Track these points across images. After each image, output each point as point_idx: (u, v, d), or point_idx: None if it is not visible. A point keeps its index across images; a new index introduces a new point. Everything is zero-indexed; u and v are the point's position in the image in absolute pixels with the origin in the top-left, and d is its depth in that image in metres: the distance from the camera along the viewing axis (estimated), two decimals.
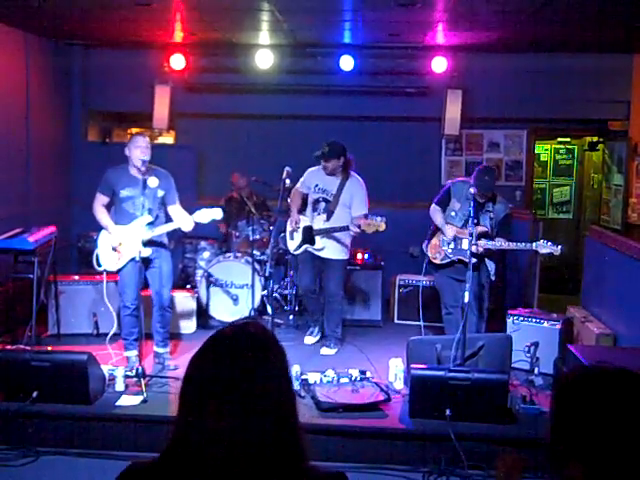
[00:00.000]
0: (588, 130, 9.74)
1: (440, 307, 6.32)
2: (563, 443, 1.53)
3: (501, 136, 9.05)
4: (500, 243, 5.72)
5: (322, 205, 6.42)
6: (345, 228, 6.24)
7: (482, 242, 5.69)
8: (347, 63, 8.21)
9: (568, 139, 10.89)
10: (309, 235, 6.43)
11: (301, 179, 6.60)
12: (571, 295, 8.67)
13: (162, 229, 5.70)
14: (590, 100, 8.51)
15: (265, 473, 1.45)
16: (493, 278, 6.05)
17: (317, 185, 6.44)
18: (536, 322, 6.22)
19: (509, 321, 6.33)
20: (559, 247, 5.55)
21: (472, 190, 5.69)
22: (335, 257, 6.44)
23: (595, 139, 9.82)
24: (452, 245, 6.02)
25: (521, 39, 7.69)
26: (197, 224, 6.92)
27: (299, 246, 6.52)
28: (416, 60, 8.38)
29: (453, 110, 8.33)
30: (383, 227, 5.96)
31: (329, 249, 6.42)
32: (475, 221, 5.53)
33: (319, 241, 6.40)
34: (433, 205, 6.17)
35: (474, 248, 5.50)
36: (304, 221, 6.51)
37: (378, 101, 8.68)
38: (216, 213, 5.69)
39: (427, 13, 6.58)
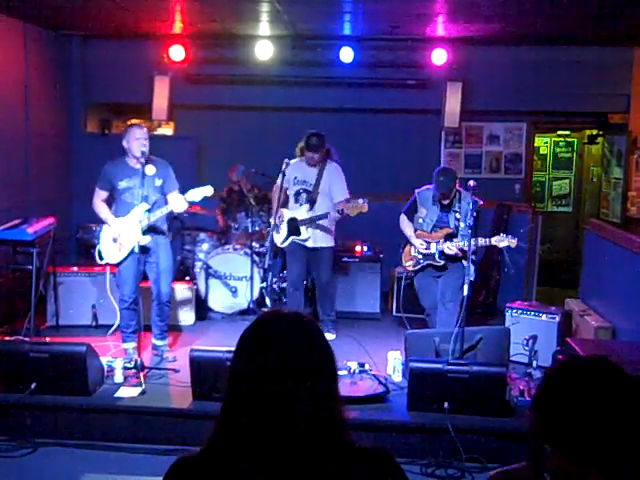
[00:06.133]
0: (588, 123, 9.74)
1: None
2: (540, 429, 1.56)
3: (501, 129, 9.03)
4: (462, 243, 5.65)
5: (304, 196, 6.50)
6: (326, 215, 6.30)
7: (447, 244, 5.74)
8: (347, 55, 8.18)
9: (568, 132, 10.89)
10: (294, 226, 6.48)
11: (280, 174, 6.61)
12: (570, 288, 8.67)
13: (158, 213, 5.69)
14: (590, 93, 8.49)
15: (314, 454, 1.49)
16: (472, 279, 5.64)
17: (296, 177, 6.50)
18: (534, 315, 6.22)
19: (508, 314, 6.33)
20: (515, 239, 5.53)
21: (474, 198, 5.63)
22: (321, 245, 6.51)
23: (595, 132, 9.82)
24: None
25: (521, 31, 7.67)
26: (196, 215, 6.94)
27: (285, 239, 6.57)
28: (416, 52, 8.36)
29: (453, 102, 8.30)
30: (366, 208, 5.97)
31: (314, 238, 6.48)
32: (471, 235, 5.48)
33: (304, 231, 6.46)
34: (401, 215, 6.21)
35: (448, 251, 5.70)
36: (287, 214, 6.54)
37: (378, 93, 8.66)
38: (207, 190, 5.69)
39: (427, 5, 6.56)
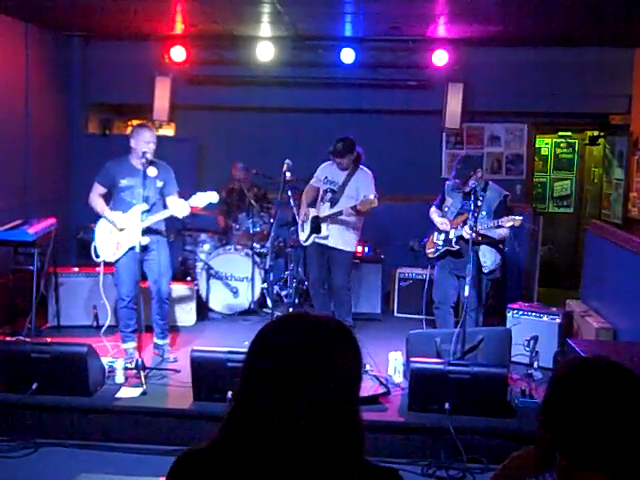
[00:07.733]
0: (589, 124, 9.72)
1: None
2: (549, 432, 1.54)
3: (502, 130, 9.03)
4: (474, 225, 5.63)
5: (329, 195, 6.57)
6: (340, 212, 6.36)
7: (465, 228, 5.74)
8: (348, 56, 8.18)
9: (569, 133, 10.87)
10: (316, 224, 6.53)
11: (315, 174, 6.73)
12: (571, 289, 8.67)
13: (157, 216, 5.68)
14: (591, 94, 8.49)
15: (321, 464, 1.42)
16: (492, 267, 5.92)
17: (326, 177, 6.61)
18: (536, 316, 6.22)
19: (509, 315, 6.33)
20: (520, 218, 5.56)
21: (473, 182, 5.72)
22: (340, 247, 6.50)
23: (596, 133, 9.81)
24: (442, 237, 6.08)
25: (522, 32, 7.67)
26: (197, 216, 6.93)
27: (308, 237, 6.63)
28: (417, 53, 8.36)
29: (454, 103, 8.31)
30: (376, 203, 6.09)
31: (334, 237, 6.50)
32: (473, 213, 5.55)
33: (324, 228, 6.50)
34: (432, 208, 6.32)
35: (465, 234, 5.66)
36: (313, 212, 6.62)
37: (379, 94, 8.66)
38: (212, 196, 5.72)
39: (428, 6, 6.56)
